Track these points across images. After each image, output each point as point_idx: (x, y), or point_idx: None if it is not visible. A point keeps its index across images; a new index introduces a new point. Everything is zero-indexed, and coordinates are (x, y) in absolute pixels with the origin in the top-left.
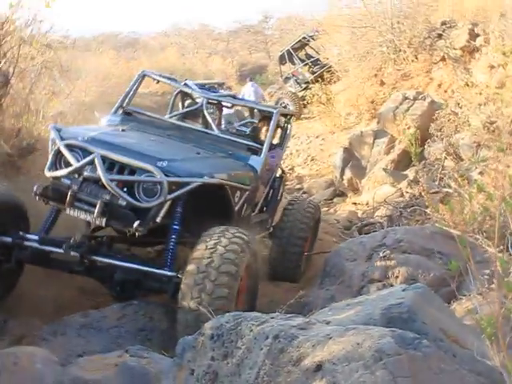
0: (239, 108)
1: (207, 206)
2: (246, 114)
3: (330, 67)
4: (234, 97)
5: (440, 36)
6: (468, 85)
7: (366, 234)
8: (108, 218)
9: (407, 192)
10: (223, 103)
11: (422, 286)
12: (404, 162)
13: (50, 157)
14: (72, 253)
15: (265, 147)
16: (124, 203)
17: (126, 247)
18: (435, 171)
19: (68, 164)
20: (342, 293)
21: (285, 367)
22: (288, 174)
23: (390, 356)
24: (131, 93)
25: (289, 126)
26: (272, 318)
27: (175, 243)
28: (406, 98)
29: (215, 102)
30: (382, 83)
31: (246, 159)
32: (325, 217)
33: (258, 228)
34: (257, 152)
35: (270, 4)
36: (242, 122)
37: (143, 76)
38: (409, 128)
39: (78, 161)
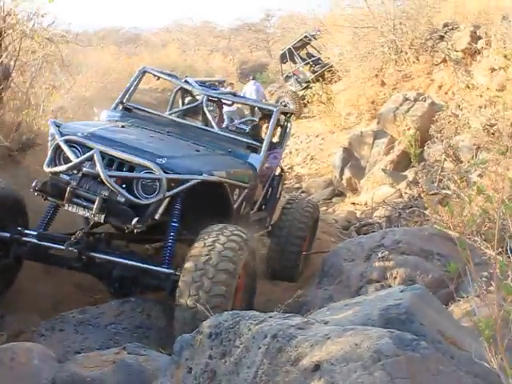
0: (239, 106)
1: (206, 203)
2: (247, 112)
3: (331, 67)
4: (234, 94)
5: (442, 38)
6: (469, 87)
7: (364, 234)
8: (106, 214)
9: (406, 193)
10: (223, 101)
11: (421, 287)
12: (403, 162)
13: (49, 152)
14: (70, 249)
15: (264, 145)
16: (123, 200)
17: (125, 244)
18: (434, 173)
19: (67, 160)
20: (340, 293)
21: (283, 367)
22: (287, 173)
23: (388, 357)
24: (131, 89)
25: (289, 124)
26: (270, 317)
27: (174, 240)
28: (407, 99)
29: (215, 99)
30: (383, 84)
31: (246, 157)
32: (323, 216)
33: (256, 226)
34: (256, 150)
35: (272, 2)
36: (242, 120)
37: (144, 72)
38: (409, 129)
39: (78, 157)
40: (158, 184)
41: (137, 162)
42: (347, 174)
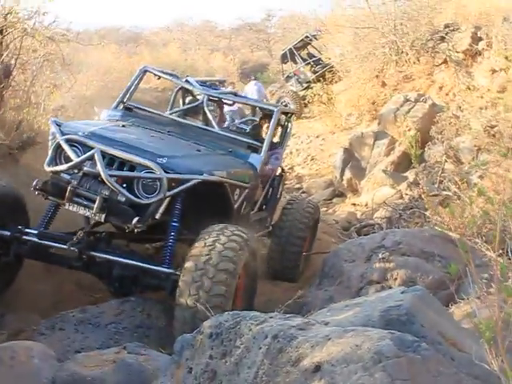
0: (240, 106)
1: (206, 203)
2: (247, 111)
3: (332, 67)
4: (235, 94)
5: (443, 39)
6: (469, 88)
7: (364, 235)
8: (107, 213)
9: (407, 194)
10: (224, 100)
11: (421, 288)
12: (404, 163)
13: (50, 151)
14: (71, 248)
15: (265, 145)
16: (123, 199)
17: (125, 243)
18: (435, 174)
19: (68, 159)
20: (341, 294)
21: (283, 367)
22: (287, 174)
23: (389, 358)
24: (132, 88)
25: (289, 124)
26: (271, 317)
27: (174, 240)
28: (408, 100)
29: (216, 99)
30: (384, 84)
31: (246, 157)
32: (323, 217)
33: (257, 226)
34: (257, 150)
35: (273, 2)
36: (243, 120)
37: (144, 71)
38: (409, 130)
39: (78, 156)
40: (158, 184)
41: (137, 162)
42: (348, 174)
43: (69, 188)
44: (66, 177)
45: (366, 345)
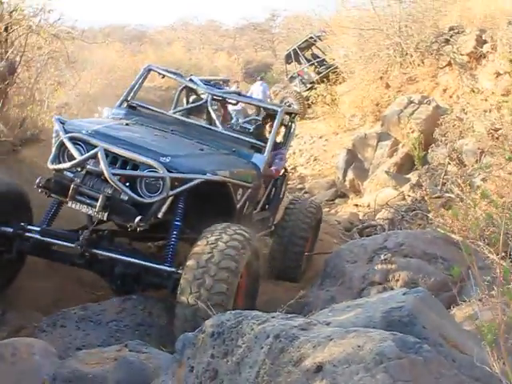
0: (243, 105)
1: (209, 202)
2: (250, 111)
3: (336, 68)
4: (238, 94)
5: (447, 41)
6: (473, 91)
7: (366, 236)
8: (110, 212)
9: (409, 196)
10: (228, 100)
11: (423, 290)
12: (407, 165)
13: (54, 149)
14: (73, 245)
15: (268, 145)
16: (126, 198)
17: (128, 241)
18: (438, 176)
19: (71, 157)
20: (343, 294)
21: (285, 367)
22: (290, 174)
23: (390, 359)
24: (136, 86)
25: (293, 124)
26: (273, 317)
27: (176, 239)
28: (411, 102)
29: (220, 98)
30: (388, 86)
31: (249, 157)
32: (326, 217)
33: (259, 226)
34: (260, 150)
35: (278, 2)
36: (247, 119)
37: (149, 70)
38: (413, 132)
39: (82, 154)
40: (161, 183)
41: (141, 161)
42: (350, 175)
43: (72, 186)
44: (69, 175)
45: (367, 346)
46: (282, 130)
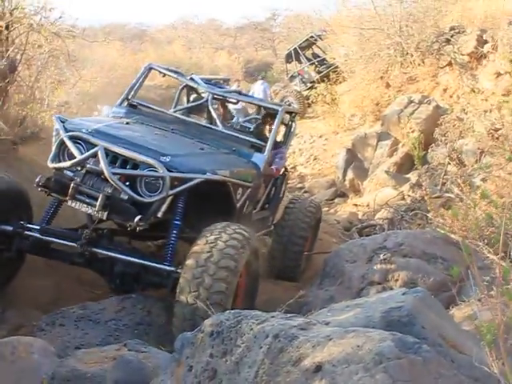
0: (244, 104)
1: (209, 202)
2: (251, 111)
3: (337, 67)
4: (239, 93)
5: (448, 41)
6: (474, 91)
7: (366, 235)
8: (109, 211)
9: (409, 195)
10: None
11: (422, 290)
12: (406, 165)
13: (54, 148)
14: (72, 244)
15: (268, 145)
16: (126, 197)
17: (127, 240)
18: (438, 176)
19: (71, 156)
20: (342, 294)
21: (284, 367)
22: (290, 173)
23: (390, 359)
24: (137, 85)
25: (293, 124)
26: (272, 317)
27: (176, 238)
28: (411, 102)
29: (220, 97)
30: (388, 86)
31: (250, 156)
32: (325, 217)
33: (259, 225)
34: (260, 149)
35: (279, 1)
36: (247, 118)
37: (150, 69)
38: (413, 131)
39: (82, 153)
40: (161, 182)
41: (141, 160)
42: (350, 175)
43: (72, 185)
44: (69, 174)
45: (367, 346)
46: (282, 128)
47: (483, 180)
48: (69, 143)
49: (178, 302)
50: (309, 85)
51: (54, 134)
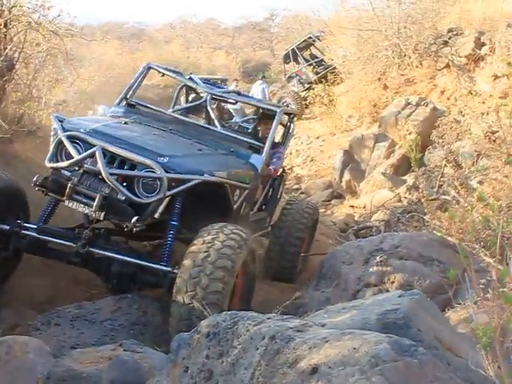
0: (241, 104)
1: (206, 202)
2: (248, 111)
3: (334, 68)
4: (238, 93)
5: (446, 43)
6: (471, 93)
7: (362, 237)
8: (106, 212)
9: (405, 197)
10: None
11: (419, 292)
12: (403, 167)
13: (52, 147)
14: (69, 243)
15: (266, 146)
16: (123, 198)
17: (124, 240)
18: (434, 178)
19: (69, 155)
20: (338, 296)
21: (280, 369)
22: (287, 174)
23: (386, 362)
24: (136, 85)
25: (291, 125)
26: (269, 318)
27: (173, 239)
28: (409, 104)
29: (219, 97)
30: (386, 87)
31: (247, 157)
32: (321, 218)
33: (256, 226)
34: (258, 150)
35: (277, 1)
36: (245, 118)
37: (148, 68)
38: (410, 133)
39: (80, 153)
40: (158, 183)
41: (138, 161)
42: (347, 176)
43: (69, 185)
44: (67, 173)
45: (363, 348)
46: (279, 128)
47: (480, 182)
48: (67, 143)
49: (174, 301)
50: (306, 86)
51: (52, 133)
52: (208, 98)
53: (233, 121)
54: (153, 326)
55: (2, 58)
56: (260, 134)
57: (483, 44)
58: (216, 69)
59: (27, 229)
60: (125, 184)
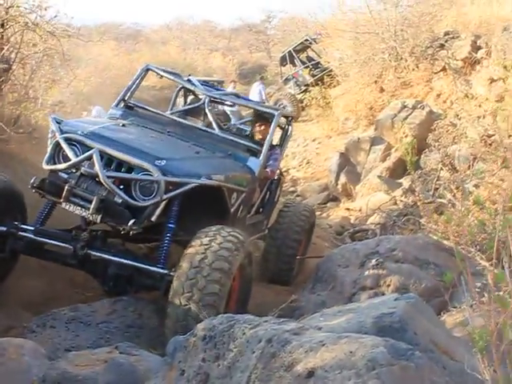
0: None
1: (203, 205)
2: (244, 113)
3: (331, 71)
4: (236, 95)
5: (442, 46)
6: (467, 96)
7: (358, 240)
8: (103, 214)
9: (401, 200)
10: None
11: (414, 296)
12: (399, 170)
13: (49, 149)
14: (65, 245)
15: (264, 149)
16: (120, 201)
17: (121, 242)
18: (430, 181)
19: (66, 158)
20: (334, 299)
21: (276, 372)
22: (284, 177)
23: (382, 366)
24: (134, 86)
25: (289, 127)
26: (265, 321)
27: (170, 241)
28: (405, 107)
29: (218, 100)
30: (382, 90)
31: (245, 160)
32: (317, 221)
33: (253, 229)
34: (256, 153)
35: (274, 3)
36: (243, 121)
37: (147, 70)
38: (406, 136)
39: (77, 155)
40: (155, 186)
41: (136, 163)
42: (343, 179)
43: (66, 187)
44: (64, 176)
45: (359, 352)
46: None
47: (476, 186)
48: (64, 145)
49: (171, 303)
50: (303, 88)
51: (50, 135)
52: (206, 100)
53: (231, 123)
54: (148, 328)
55: None
56: (255, 136)
57: (479, 47)
58: (212, 70)
59: (24, 230)
60: (122, 187)
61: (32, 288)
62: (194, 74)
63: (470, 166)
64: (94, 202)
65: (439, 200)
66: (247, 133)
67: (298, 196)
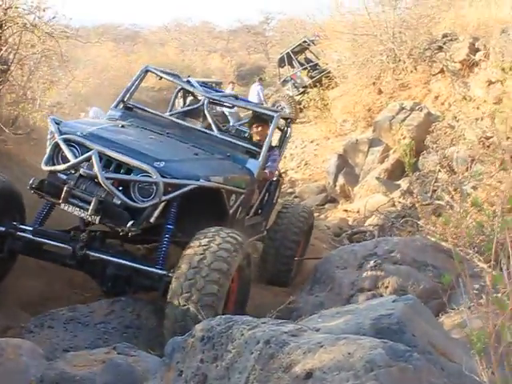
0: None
1: (202, 207)
2: (242, 114)
3: (329, 73)
4: (235, 97)
5: (440, 48)
6: (465, 99)
7: (356, 241)
8: (102, 215)
9: (399, 202)
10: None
11: (413, 297)
12: (397, 172)
13: (48, 150)
14: (64, 246)
15: (263, 151)
16: (119, 202)
17: (119, 243)
18: (428, 183)
19: (65, 159)
20: (332, 300)
21: (275, 373)
22: (283, 178)
23: (380, 367)
24: (133, 87)
25: (288, 129)
26: (263, 322)
27: (168, 242)
28: (403, 109)
29: (217, 101)
30: (380, 92)
31: (244, 162)
32: (315, 222)
33: (252, 231)
34: (255, 155)
35: (272, 5)
36: (242, 122)
37: (146, 71)
38: (404, 138)
39: (76, 156)
40: (154, 188)
41: (134, 165)
42: (341, 180)
43: (65, 189)
44: (63, 177)
45: (358, 353)
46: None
47: (474, 188)
48: (63, 146)
49: (169, 303)
50: (301, 89)
51: (49, 136)
52: (205, 101)
53: (230, 124)
54: (146, 329)
55: None
56: (253, 137)
57: (477, 49)
58: (211, 72)
59: (23, 230)
60: (121, 188)
61: (30, 288)
62: (193, 76)
63: (468, 167)
64: (92, 203)
65: (437, 202)
66: (246, 134)
67: (296, 197)
